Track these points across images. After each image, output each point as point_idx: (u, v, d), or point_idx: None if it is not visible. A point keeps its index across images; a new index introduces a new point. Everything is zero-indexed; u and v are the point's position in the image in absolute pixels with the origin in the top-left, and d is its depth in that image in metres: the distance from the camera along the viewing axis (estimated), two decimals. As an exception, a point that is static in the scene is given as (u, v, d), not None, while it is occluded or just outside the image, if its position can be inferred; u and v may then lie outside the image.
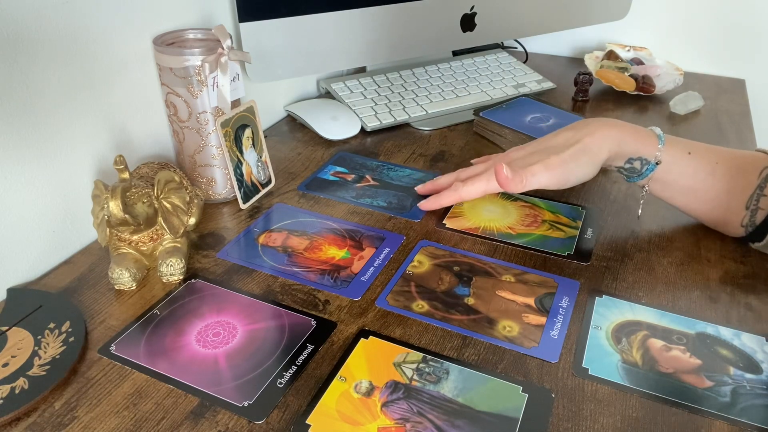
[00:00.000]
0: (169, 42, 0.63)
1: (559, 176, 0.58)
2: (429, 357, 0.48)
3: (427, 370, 0.47)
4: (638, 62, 1.01)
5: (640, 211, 0.63)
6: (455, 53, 1.06)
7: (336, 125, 0.82)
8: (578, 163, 0.58)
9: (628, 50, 1.05)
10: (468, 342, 0.50)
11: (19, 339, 0.49)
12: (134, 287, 0.55)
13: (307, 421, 0.43)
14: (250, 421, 0.43)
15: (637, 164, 0.59)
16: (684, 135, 0.84)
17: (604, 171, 0.62)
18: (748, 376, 0.46)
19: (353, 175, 0.73)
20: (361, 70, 0.99)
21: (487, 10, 0.95)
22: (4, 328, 0.50)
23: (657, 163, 0.58)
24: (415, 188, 0.69)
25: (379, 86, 0.92)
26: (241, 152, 0.66)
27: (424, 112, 0.87)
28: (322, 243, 0.61)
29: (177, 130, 0.65)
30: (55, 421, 0.43)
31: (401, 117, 0.86)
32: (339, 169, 0.75)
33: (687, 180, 0.59)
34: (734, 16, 1.03)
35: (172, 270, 0.55)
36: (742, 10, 1.02)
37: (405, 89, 0.92)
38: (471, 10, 0.94)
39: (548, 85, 0.98)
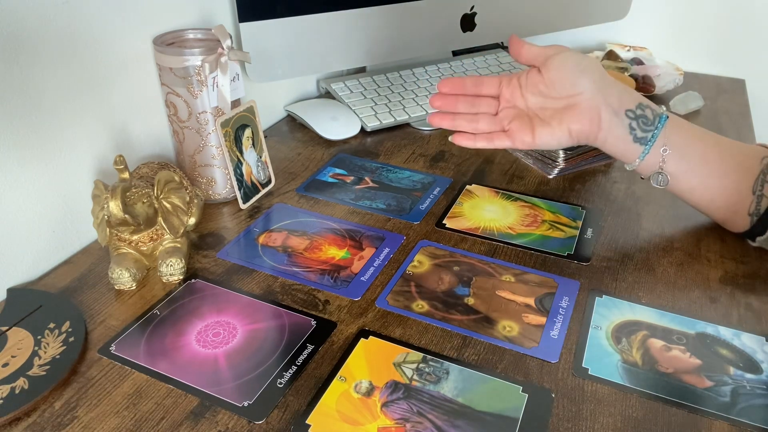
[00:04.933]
0: (169, 42, 0.63)
1: (563, 55, 0.58)
2: (429, 357, 0.48)
3: (427, 370, 0.47)
4: (638, 62, 1.01)
5: (668, 178, 0.59)
6: (455, 53, 1.06)
7: (336, 125, 0.82)
8: (586, 56, 0.59)
9: (628, 50, 1.05)
10: (468, 342, 0.50)
11: (19, 339, 0.49)
12: (134, 287, 0.55)
13: (307, 421, 0.43)
14: (250, 421, 0.43)
15: (648, 112, 0.57)
16: (684, 135, 0.84)
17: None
18: (748, 376, 0.46)
19: (352, 177, 0.73)
20: (361, 70, 0.99)
21: (487, 10, 0.95)
22: (4, 328, 0.50)
23: (666, 116, 0.57)
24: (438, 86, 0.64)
25: (379, 86, 0.92)
26: (241, 152, 0.66)
27: (424, 112, 0.87)
28: (322, 243, 0.61)
29: (177, 130, 0.65)
30: (55, 421, 0.43)
31: (401, 117, 0.86)
32: (338, 171, 0.75)
33: (698, 145, 0.58)
34: (734, 16, 1.03)
35: (172, 270, 0.55)
36: (742, 10, 1.02)
37: (405, 89, 0.92)
38: (471, 10, 0.94)
39: (548, 85, 0.97)
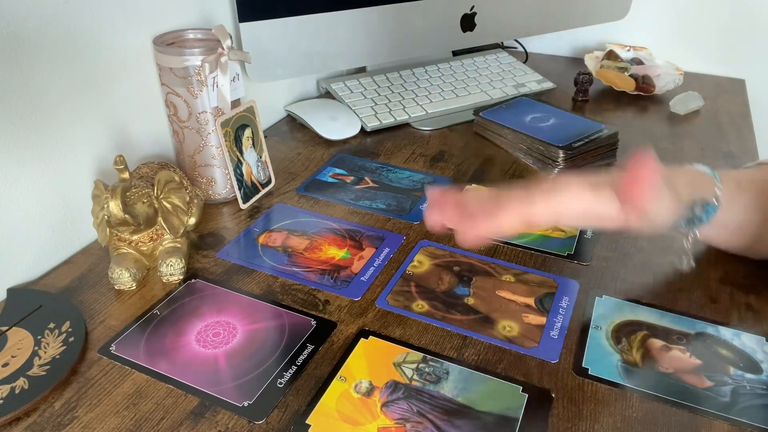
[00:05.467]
0: (169, 42, 0.63)
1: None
2: (429, 357, 0.48)
3: (427, 370, 0.47)
4: (638, 62, 1.01)
5: (692, 263, 0.55)
6: (455, 53, 1.06)
7: (336, 125, 0.82)
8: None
9: (628, 50, 1.05)
10: (468, 342, 0.50)
11: (19, 339, 0.49)
12: (134, 287, 0.55)
13: (307, 421, 0.43)
14: (250, 421, 0.43)
15: (698, 210, 0.50)
16: (684, 135, 0.84)
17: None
18: (748, 376, 0.46)
19: (352, 177, 0.73)
20: (361, 70, 0.99)
21: (487, 10, 0.95)
22: (4, 328, 0.50)
23: (715, 209, 0.50)
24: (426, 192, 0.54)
25: (379, 86, 0.92)
26: (241, 152, 0.66)
27: (424, 112, 0.87)
28: (322, 243, 0.61)
29: (177, 130, 0.65)
30: (55, 421, 0.43)
31: (401, 117, 0.86)
32: (338, 170, 0.75)
33: (740, 216, 0.53)
34: (734, 16, 1.03)
35: (172, 270, 0.55)
36: (742, 10, 1.02)
37: (405, 89, 0.92)
38: (471, 10, 0.94)
39: (548, 85, 0.98)
